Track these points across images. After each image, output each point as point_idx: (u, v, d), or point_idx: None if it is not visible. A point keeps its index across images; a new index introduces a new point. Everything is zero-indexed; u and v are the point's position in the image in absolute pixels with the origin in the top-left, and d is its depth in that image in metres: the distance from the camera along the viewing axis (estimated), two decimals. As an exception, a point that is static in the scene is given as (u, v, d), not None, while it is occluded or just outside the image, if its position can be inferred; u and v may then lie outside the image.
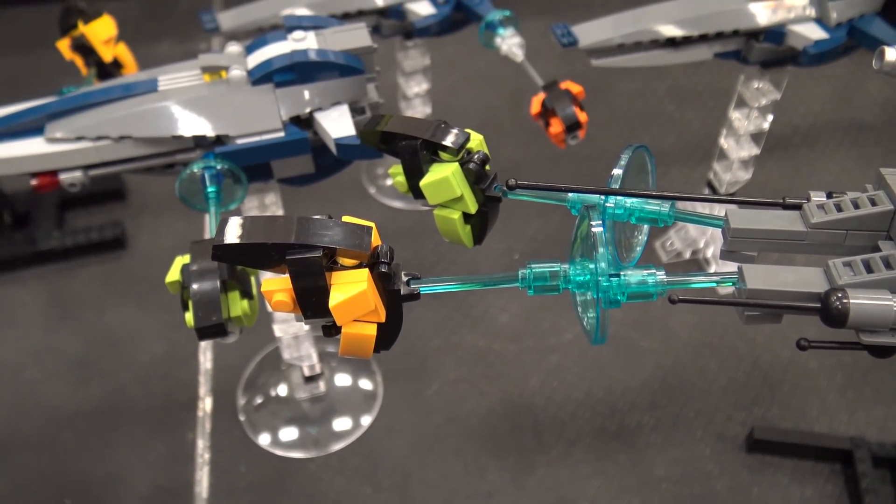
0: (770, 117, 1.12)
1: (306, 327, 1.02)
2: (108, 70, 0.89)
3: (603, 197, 0.50)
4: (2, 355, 1.18)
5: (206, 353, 1.19)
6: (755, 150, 1.15)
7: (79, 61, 0.89)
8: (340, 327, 0.47)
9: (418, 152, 0.56)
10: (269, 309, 0.49)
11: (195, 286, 0.57)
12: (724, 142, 1.18)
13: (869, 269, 0.40)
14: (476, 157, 0.56)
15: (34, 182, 0.72)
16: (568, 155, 1.51)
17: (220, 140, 0.73)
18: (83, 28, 0.87)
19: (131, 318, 1.24)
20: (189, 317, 0.59)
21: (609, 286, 0.42)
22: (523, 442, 1.07)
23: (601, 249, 0.42)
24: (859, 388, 1.11)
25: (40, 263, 1.31)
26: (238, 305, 0.60)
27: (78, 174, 0.72)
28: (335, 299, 0.44)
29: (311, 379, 1.10)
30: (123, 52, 0.91)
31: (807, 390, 1.11)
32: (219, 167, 0.71)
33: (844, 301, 0.38)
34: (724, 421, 1.08)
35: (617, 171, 0.50)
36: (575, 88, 0.96)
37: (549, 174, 1.48)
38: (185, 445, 1.08)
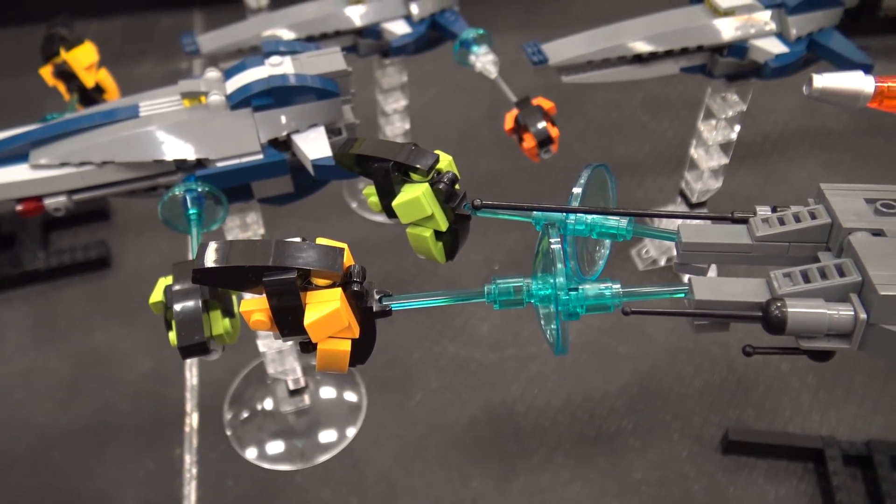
0: (737, 128, 1.16)
1: (290, 342, 1.04)
2: (91, 95, 0.91)
3: (565, 214, 0.53)
4: (-11, 376, 1.20)
5: (192, 370, 1.21)
6: (724, 160, 1.19)
7: (61, 87, 0.91)
8: (316, 344, 0.49)
9: (390, 174, 0.59)
10: (252, 328, 0.51)
11: (177, 306, 0.60)
12: (694, 152, 1.21)
13: (806, 279, 0.43)
14: (446, 177, 0.59)
15: (20, 207, 0.74)
16: (545, 166, 1.53)
17: (200, 163, 0.75)
18: (65, 55, 0.89)
19: (117, 336, 1.26)
20: (173, 336, 0.61)
21: (568, 300, 0.45)
22: (506, 449, 1.10)
23: (559, 265, 0.45)
24: (830, 388, 1.14)
25: (26, 284, 1.33)
26: (220, 324, 0.62)
27: (62, 199, 0.74)
28: (310, 318, 0.46)
29: (295, 392, 1.12)
30: (105, 78, 0.93)
31: (780, 392, 1.15)
32: (200, 189, 0.73)
33: (783, 310, 0.41)
34: (700, 423, 1.11)
35: (577, 190, 0.52)
36: (546, 104, 0.99)
37: (526, 185, 1.52)
38: (173, 461, 1.09)
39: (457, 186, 0.61)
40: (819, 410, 1.12)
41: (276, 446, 1.11)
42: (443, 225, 0.60)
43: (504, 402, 1.16)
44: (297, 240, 0.47)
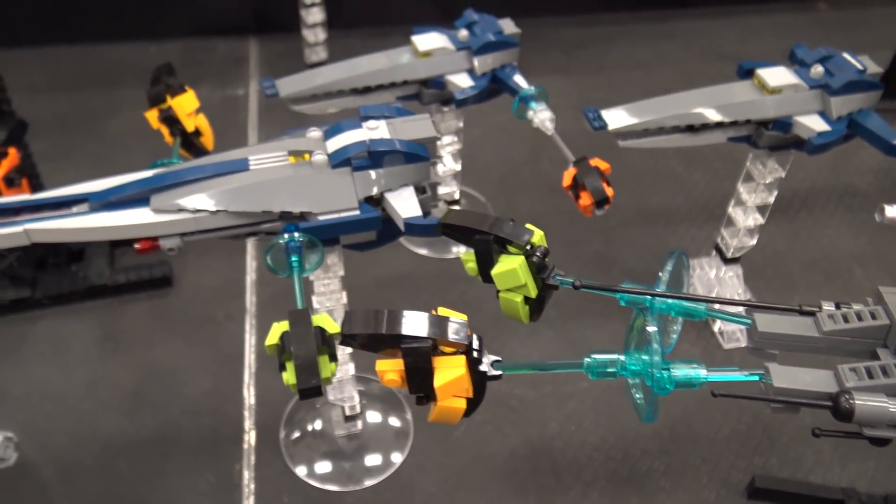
0: (775, 192, 1.23)
1: (351, 371, 1.11)
2: (190, 139, 0.99)
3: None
4: (61, 385, 1.27)
5: (249, 389, 1.28)
6: (760, 220, 1.27)
7: (165, 131, 0.99)
8: (431, 397, 0.57)
9: (491, 246, 0.67)
10: (384, 384, 0.58)
11: (297, 351, 0.67)
12: (732, 211, 1.29)
13: (870, 375, 0.50)
14: (539, 251, 0.67)
15: (138, 246, 0.83)
16: (583, 210, 1.62)
17: (303, 215, 0.83)
18: (171, 101, 0.98)
19: (179, 353, 1.33)
20: (287, 376, 0.69)
21: (661, 377, 0.52)
22: (543, 482, 1.17)
23: (655, 346, 0.52)
24: (850, 442, 1.20)
25: (93, 298, 1.40)
26: (328, 368, 0.69)
27: (176, 240, 0.83)
28: (440, 381, 0.54)
29: (350, 418, 1.20)
30: (202, 122, 1.01)
31: (803, 443, 1.22)
32: (301, 239, 0.81)
33: (851, 402, 0.48)
34: (727, 469, 1.18)
35: (663, 275, 0.60)
36: (603, 165, 1.07)
37: (566, 227, 1.59)
38: (232, 476, 1.17)
39: (546, 259, 0.68)
40: (839, 463, 1.19)
41: (326, 467, 1.18)
42: (533, 293, 0.68)
43: (542, 438, 1.23)
44: (428, 313, 0.55)
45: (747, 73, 1.15)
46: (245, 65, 2.03)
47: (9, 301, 1.36)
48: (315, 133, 0.87)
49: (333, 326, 0.71)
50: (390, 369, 0.54)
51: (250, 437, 1.22)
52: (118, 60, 2.02)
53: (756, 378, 0.53)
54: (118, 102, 1.89)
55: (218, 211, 0.81)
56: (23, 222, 0.80)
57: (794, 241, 1.57)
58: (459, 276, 1.51)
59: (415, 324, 0.53)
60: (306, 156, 0.85)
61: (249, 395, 1.27)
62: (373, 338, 0.53)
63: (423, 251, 1.55)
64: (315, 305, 0.99)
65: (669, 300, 0.61)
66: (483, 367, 0.56)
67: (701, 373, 0.53)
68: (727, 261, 1.34)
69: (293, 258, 0.81)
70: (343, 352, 1.08)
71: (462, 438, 1.22)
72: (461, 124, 1.41)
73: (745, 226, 1.27)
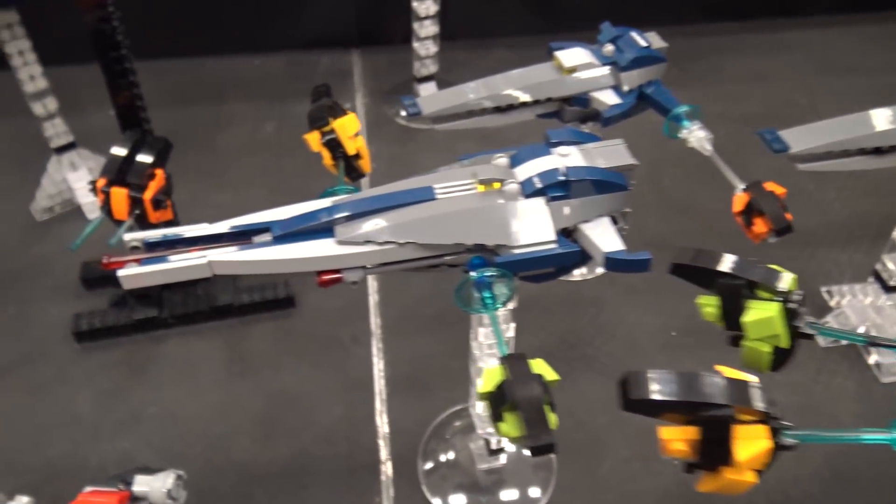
0: (952, 218, 1.15)
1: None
2: (351, 162, 0.95)
3: None
4: (192, 408, 1.25)
5: (382, 417, 1.24)
6: (932, 248, 1.18)
7: (325, 153, 0.95)
8: (713, 467, 0.51)
9: (741, 291, 0.60)
10: (665, 454, 0.52)
11: (523, 403, 0.61)
12: (898, 237, 1.20)
13: None
14: (794, 296, 0.60)
15: (321, 278, 0.78)
16: (713, 231, 1.54)
17: (494, 248, 0.78)
18: (333, 124, 0.94)
19: (306, 376, 1.30)
20: (507, 429, 0.63)
21: None
22: (702, 526, 1.10)
23: None
24: None
25: (218, 318, 1.38)
26: (552, 417, 0.64)
27: (360, 273, 0.78)
28: (745, 454, 0.48)
29: (494, 451, 1.14)
30: (361, 144, 0.97)
31: (984, 490, 1.12)
32: (493, 274, 0.76)
33: None
34: (901, 517, 1.10)
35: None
36: (779, 190, 1.00)
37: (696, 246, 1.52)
38: (373, 510, 1.12)
39: (802, 307, 0.62)
40: None
41: (462, 500, 1.13)
42: (786, 343, 0.61)
43: (694, 476, 1.15)
44: (720, 376, 0.49)
45: (927, 90, 1.07)
46: (349, 78, 2.00)
47: (136, 320, 1.34)
48: (501, 160, 0.82)
49: (551, 373, 0.66)
50: (679, 438, 0.48)
51: (387, 468, 1.17)
52: (223, 73, 2.01)
53: None
54: (226, 116, 1.88)
55: (407, 243, 0.76)
56: (206, 253, 0.76)
57: (947, 266, 1.46)
58: (587, 299, 1.45)
59: (713, 389, 0.47)
60: (496, 184, 0.79)
61: (383, 424, 1.23)
62: (665, 405, 0.47)
63: (546, 272, 1.49)
64: (480, 338, 0.94)
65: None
66: (779, 439, 0.50)
67: None
68: (888, 289, 1.25)
69: (486, 294, 0.76)
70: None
71: (608, 476, 1.16)
72: (597, 142, 1.35)
73: (914, 253, 1.19)
